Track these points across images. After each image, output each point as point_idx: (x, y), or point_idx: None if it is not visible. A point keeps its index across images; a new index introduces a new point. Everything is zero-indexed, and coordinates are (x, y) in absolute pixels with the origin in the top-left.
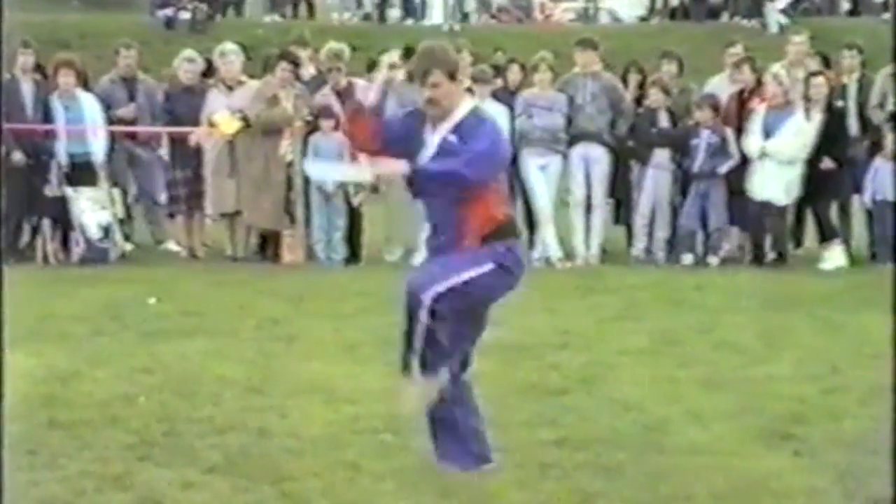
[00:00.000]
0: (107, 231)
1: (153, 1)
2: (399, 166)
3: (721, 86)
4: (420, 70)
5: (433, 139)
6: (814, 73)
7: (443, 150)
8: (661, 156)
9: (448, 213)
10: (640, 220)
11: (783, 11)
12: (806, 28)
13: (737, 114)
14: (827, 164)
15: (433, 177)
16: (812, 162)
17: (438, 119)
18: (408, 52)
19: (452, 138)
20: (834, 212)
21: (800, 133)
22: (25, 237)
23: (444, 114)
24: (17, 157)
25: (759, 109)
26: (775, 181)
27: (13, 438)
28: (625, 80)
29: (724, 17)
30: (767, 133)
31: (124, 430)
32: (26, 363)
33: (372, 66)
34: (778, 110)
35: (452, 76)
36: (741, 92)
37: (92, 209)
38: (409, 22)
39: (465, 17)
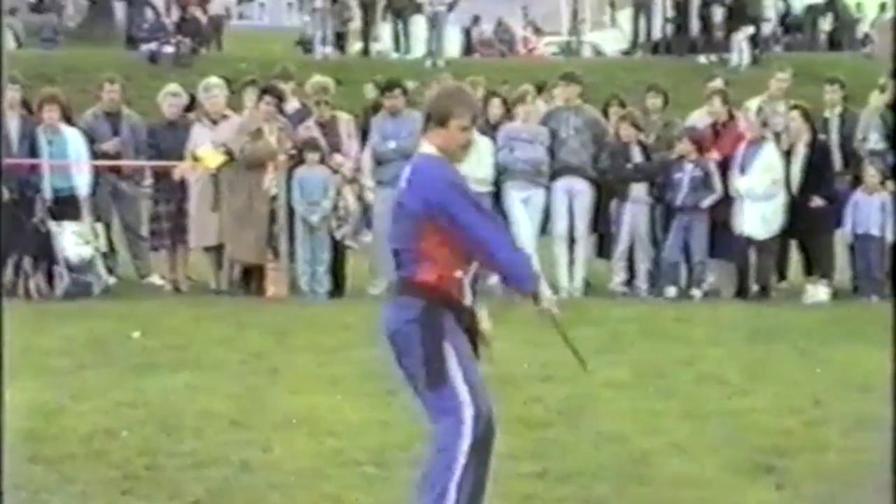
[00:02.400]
0: (90, 265)
1: (137, 36)
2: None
3: (701, 119)
4: (473, 110)
5: None
6: (793, 108)
7: None
8: (639, 190)
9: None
10: (618, 255)
11: (752, 41)
12: (787, 63)
13: (713, 146)
14: (817, 202)
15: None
16: (799, 195)
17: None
18: (389, 86)
19: None
20: (817, 245)
21: (769, 168)
22: (9, 272)
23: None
24: (3, 192)
25: (740, 147)
26: (754, 215)
27: None
28: (605, 114)
29: (703, 53)
30: (743, 168)
31: (107, 465)
32: (9, 398)
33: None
34: (752, 145)
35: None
36: (714, 124)
37: (75, 243)
38: (394, 56)
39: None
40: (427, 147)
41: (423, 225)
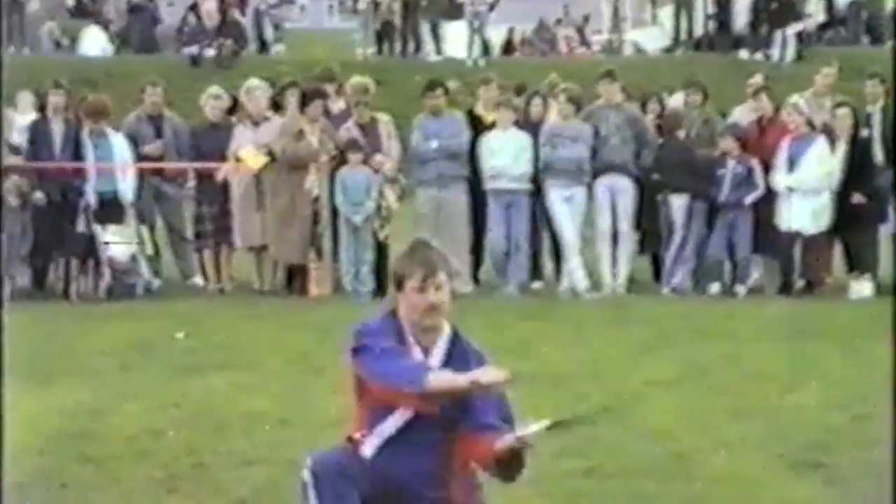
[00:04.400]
0: (134, 266)
1: (179, 38)
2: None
3: (743, 116)
4: (424, 268)
5: (430, 360)
6: (839, 105)
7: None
8: (687, 186)
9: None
10: (670, 253)
11: (798, 37)
12: (832, 58)
13: (757, 143)
14: (858, 198)
15: None
16: (841, 192)
17: (427, 336)
18: (431, 85)
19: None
20: (860, 241)
21: (822, 162)
22: (53, 275)
23: (436, 331)
24: (38, 195)
25: (783, 143)
26: (803, 210)
27: (44, 472)
28: (644, 111)
29: (747, 48)
30: (792, 163)
31: (153, 464)
32: (56, 398)
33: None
34: (800, 140)
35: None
36: (760, 120)
37: (119, 245)
38: (433, 57)
39: (486, 51)
40: (399, 310)
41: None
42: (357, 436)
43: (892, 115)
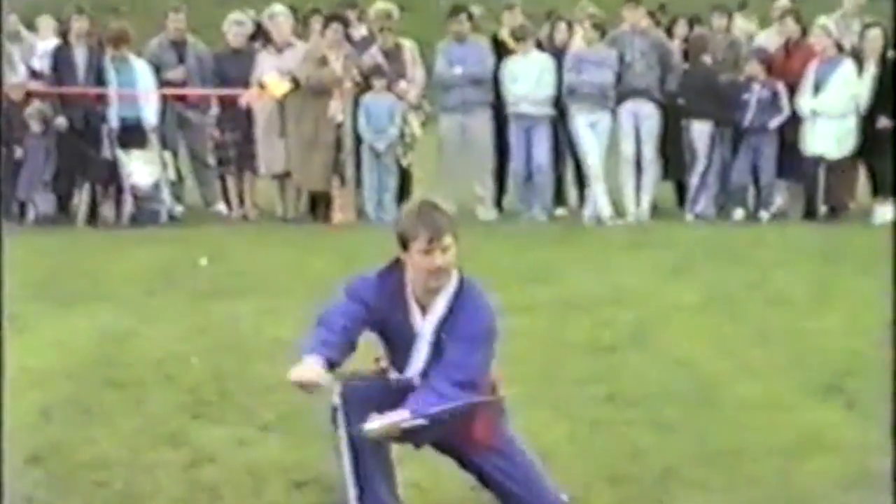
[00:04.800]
0: (157, 193)
1: None
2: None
3: (769, 39)
4: (430, 231)
5: (425, 330)
6: (868, 25)
7: (437, 350)
8: (710, 112)
9: None
10: (694, 180)
11: None
12: None
13: (783, 66)
14: (884, 122)
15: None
16: (867, 115)
17: (432, 294)
18: (454, 11)
19: (444, 336)
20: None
21: (848, 84)
22: (77, 201)
23: (440, 291)
24: (60, 121)
25: (810, 66)
26: (827, 135)
27: (69, 397)
28: (670, 34)
29: None
30: (818, 87)
31: (178, 389)
32: (81, 323)
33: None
34: (827, 63)
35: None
36: (786, 43)
37: (142, 171)
38: None
39: None
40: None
41: None
42: (381, 362)
43: None
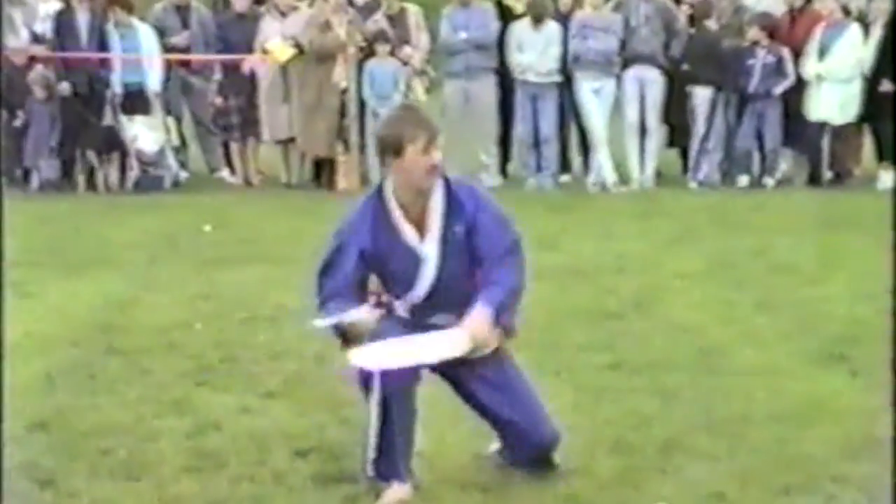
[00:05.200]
0: (161, 158)
1: None
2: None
3: (775, 4)
4: (429, 131)
5: (427, 251)
6: None
7: (452, 247)
8: (711, 78)
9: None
10: (694, 146)
11: None
12: None
13: (789, 31)
14: (887, 86)
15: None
16: (871, 80)
17: (418, 204)
18: None
19: (459, 229)
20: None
21: (854, 49)
22: (81, 167)
23: (428, 195)
24: (64, 86)
25: (816, 30)
26: (831, 100)
27: (73, 364)
28: (678, 1)
29: None
30: (823, 52)
31: (182, 356)
32: (85, 290)
33: None
34: (833, 28)
35: None
36: (791, 9)
37: (146, 137)
38: None
39: None
40: (384, 186)
41: None
42: (382, 297)
43: None
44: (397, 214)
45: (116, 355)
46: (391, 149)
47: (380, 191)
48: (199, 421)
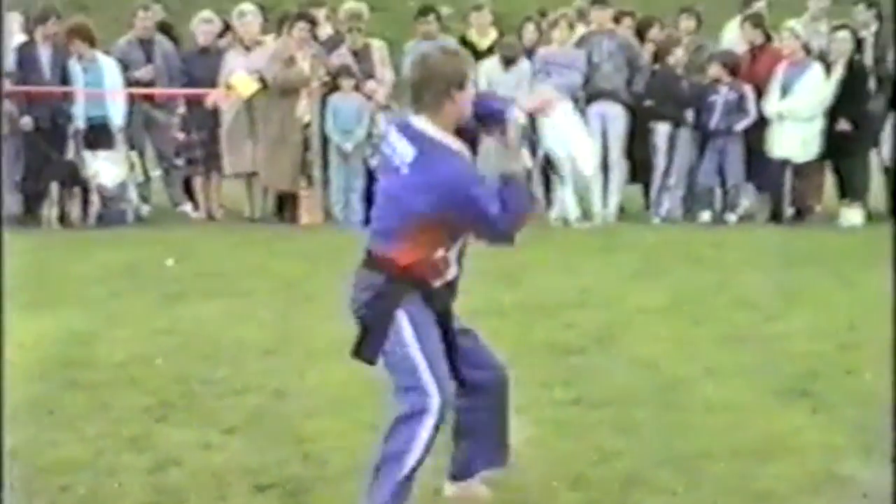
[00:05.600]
0: (124, 193)
1: None
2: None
3: (738, 42)
4: (471, 65)
5: None
6: (837, 27)
7: None
8: (670, 114)
9: None
10: (655, 181)
11: None
12: None
13: (750, 69)
14: (843, 125)
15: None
16: (832, 118)
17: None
18: (423, 11)
19: None
20: (850, 168)
21: (816, 89)
22: (44, 202)
23: None
24: (26, 121)
25: (778, 69)
26: (793, 138)
27: (33, 399)
28: (640, 36)
29: None
30: (785, 90)
31: (143, 392)
32: (46, 325)
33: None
34: (795, 66)
35: None
36: (752, 47)
37: (109, 171)
38: None
39: None
40: (431, 128)
41: (425, 220)
42: (440, 253)
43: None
44: (457, 147)
45: (77, 390)
46: (457, 83)
47: (437, 138)
48: (159, 456)
